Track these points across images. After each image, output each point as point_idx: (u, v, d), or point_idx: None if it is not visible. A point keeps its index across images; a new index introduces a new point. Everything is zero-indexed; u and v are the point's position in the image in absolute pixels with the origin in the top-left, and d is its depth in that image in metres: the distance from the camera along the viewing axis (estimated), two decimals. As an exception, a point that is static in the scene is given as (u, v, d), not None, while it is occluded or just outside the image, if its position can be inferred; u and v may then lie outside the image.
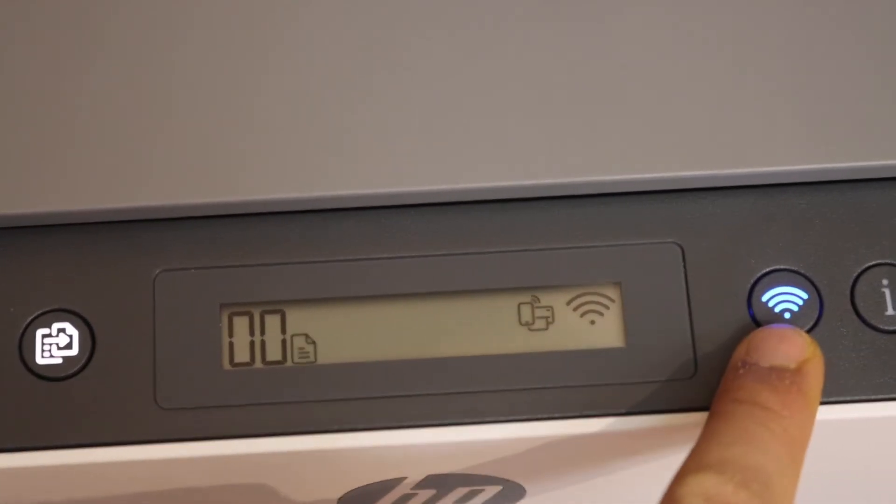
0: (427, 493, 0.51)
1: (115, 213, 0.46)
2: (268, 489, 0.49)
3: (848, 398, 0.45)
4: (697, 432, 0.44)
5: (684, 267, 0.46)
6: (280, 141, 0.46)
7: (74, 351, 0.45)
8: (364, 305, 0.46)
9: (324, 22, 0.47)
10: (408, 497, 0.51)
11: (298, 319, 0.46)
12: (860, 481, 0.53)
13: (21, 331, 0.45)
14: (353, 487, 0.49)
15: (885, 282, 0.46)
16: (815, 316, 0.46)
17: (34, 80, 0.47)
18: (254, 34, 0.47)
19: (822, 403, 0.45)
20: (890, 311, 0.46)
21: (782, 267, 0.46)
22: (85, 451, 0.44)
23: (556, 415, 0.45)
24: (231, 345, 0.45)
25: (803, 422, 0.43)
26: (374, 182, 0.46)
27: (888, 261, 0.46)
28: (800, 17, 0.47)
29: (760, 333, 0.45)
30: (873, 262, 0.46)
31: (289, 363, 0.45)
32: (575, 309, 0.46)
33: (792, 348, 0.44)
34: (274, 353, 0.45)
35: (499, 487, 0.50)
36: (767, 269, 0.46)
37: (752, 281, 0.46)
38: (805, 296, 0.46)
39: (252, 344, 0.45)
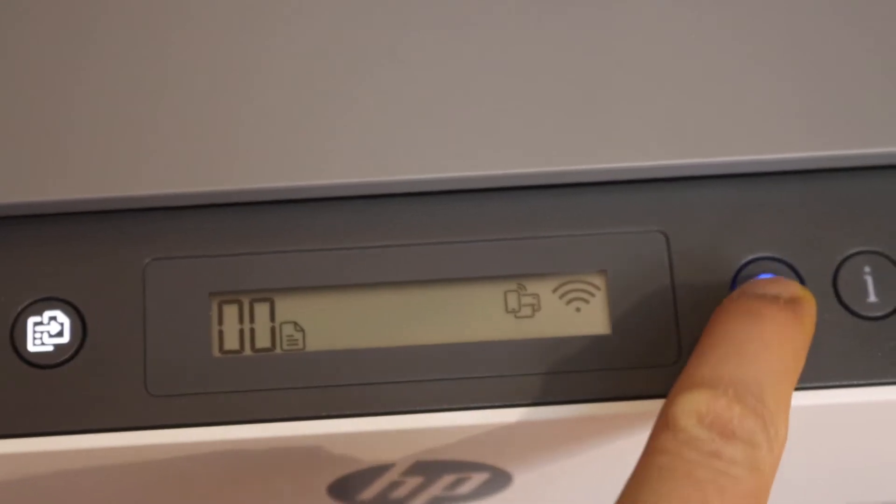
0: (415, 481, 0.51)
1: (106, 203, 0.46)
2: (257, 476, 0.49)
3: (830, 384, 0.45)
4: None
5: (669, 255, 0.47)
6: (269, 130, 0.46)
7: (66, 339, 0.46)
8: (352, 293, 0.46)
9: (310, 11, 0.48)
10: (396, 484, 0.51)
11: (287, 307, 0.46)
12: (843, 467, 0.53)
13: (12, 319, 0.46)
14: (342, 475, 0.50)
15: (867, 269, 0.46)
16: (798, 303, 0.46)
17: (24, 70, 0.47)
18: (244, 25, 0.48)
19: (805, 389, 0.45)
20: (872, 299, 0.46)
21: (766, 255, 0.47)
22: (76, 438, 0.45)
23: (543, 400, 0.45)
24: (221, 332, 0.46)
25: (798, 332, 0.43)
26: (362, 171, 0.46)
27: (870, 248, 0.47)
28: (785, 6, 0.48)
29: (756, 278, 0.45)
30: (856, 250, 0.47)
31: (278, 350, 0.46)
32: (561, 297, 0.46)
33: (785, 286, 0.44)
34: (263, 341, 0.46)
35: (486, 475, 0.51)
36: (751, 257, 0.47)
37: (735, 269, 0.46)
38: (788, 283, 0.46)
39: (241, 332, 0.46)
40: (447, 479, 0.51)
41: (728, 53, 0.47)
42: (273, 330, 0.46)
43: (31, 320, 0.46)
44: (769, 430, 0.41)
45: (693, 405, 0.41)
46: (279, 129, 0.46)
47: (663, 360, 0.46)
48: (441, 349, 0.46)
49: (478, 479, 0.51)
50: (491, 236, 0.47)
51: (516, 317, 0.46)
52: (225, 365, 0.45)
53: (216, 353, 0.46)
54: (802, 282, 0.46)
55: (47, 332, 0.46)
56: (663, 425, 0.41)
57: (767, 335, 0.42)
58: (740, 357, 0.42)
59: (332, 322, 0.46)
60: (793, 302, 0.43)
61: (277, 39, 0.47)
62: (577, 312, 0.46)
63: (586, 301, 0.46)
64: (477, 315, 0.46)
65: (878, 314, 0.46)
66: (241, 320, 0.46)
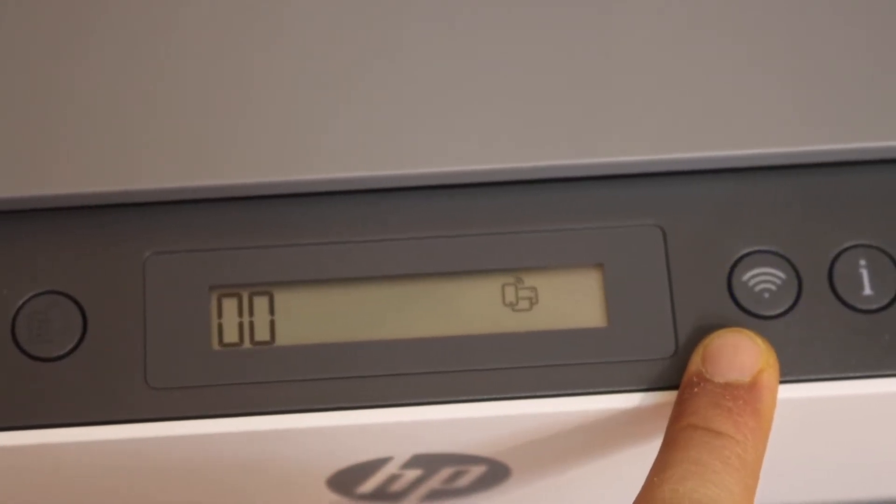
0: (413, 474, 0.51)
1: (106, 197, 0.46)
2: (257, 469, 0.49)
3: (825, 376, 0.46)
4: (678, 410, 0.45)
5: (665, 248, 0.47)
6: (268, 125, 0.46)
7: (66, 332, 0.46)
8: (350, 286, 0.46)
9: (308, 6, 0.48)
10: (395, 477, 0.51)
11: (286, 300, 0.46)
12: (838, 461, 0.53)
13: (14, 312, 0.46)
14: (341, 468, 0.50)
15: (862, 262, 0.47)
16: (794, 296, 0.46)
17: (24, 64, 0.47)
18: (243, 20, 0.48)
19: (801, 381, 0.46)
20: (867, 292, 0.46)
21: (762, 248, 0.47)
22: (77, 430, 0.45)
23: (540, 393, 0.46)
24: (220, 325, 0.46)
25: (757, 442, 0.43)
26: (360, 166, 0.46)
27: (866, 242, 0.47)
28: (780, 1, 0.48)
29: (716, 342, 0.45)
30: (851, 244, 0.47)
31: (277, 343, 0.46)
32: (558, 290, 0.47)
33: (747, 359, 0.44)
34: (262, 334, 0.46)
35: (484, 468, 0.51)
36: (747, 251, 0.47)
37: (732, 262, 0.47)
38: (784, 276, 0.47)
39: (241, 325, 0.46)
40: (446, 472, 0.51)
41: (724, 48, 0.47)
42: (272, 323, 0.46)
43: (33, 314, 0.46)
44: None
45: None
46: (278, 124, 0.46)
47: (660, 352, 0.46)
48: (440, 342, 0.46)
49: (476, 472, 0.51)
50: (489, 230, 0.47)
51: (514, 310, 0.46)
52: (224, 358, 0.46)
53: (216, 346, 0.46)
54: (798, 276, 0.47)
55: (48, 325, 0.46)
56: None
57: (728, 454, 0.42)
58: (701, 477, 0.41)
59: (330, 315, 0.46)
60: (755, 390, 0.43)
61: (276, 34, 0.48)
62: (575, 305, 0.46)
63: (583, 294, 0.46)
64: (475, 308, 0.46)
65: (874, 307, 0.46)
66: (240, 313, 0.46)
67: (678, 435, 0.43)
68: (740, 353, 0.44)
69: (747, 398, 0.43)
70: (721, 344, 0.45)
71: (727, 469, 0.42)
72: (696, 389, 0.44)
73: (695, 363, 0.45)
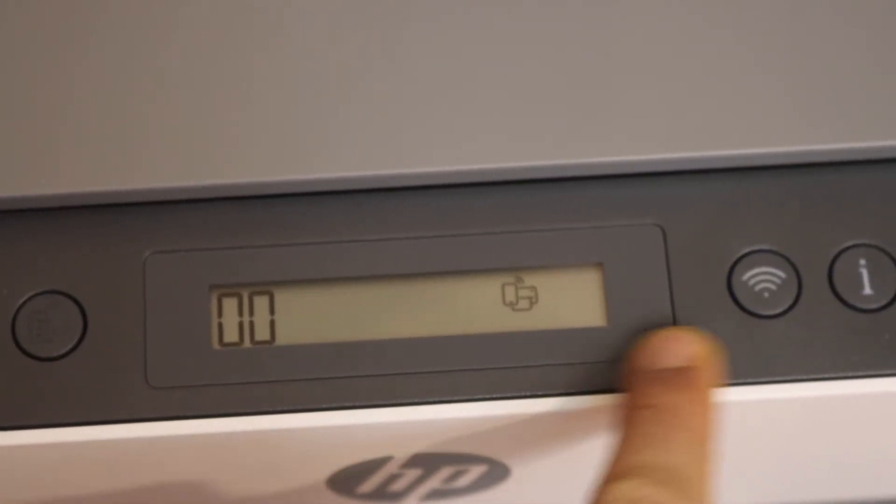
0: (414, 473, 0.51)
1: (107, 196, 0.46)
2: (257, 468, 0.49)
3: (825, 376, 0.46)
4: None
5: (665, 248, 0.47)
6: (268, 125, 0.46)
7: (66, 332, 0.46)
8: (350, 286, 0.46)
9: (308, 6, 0.48)
10: (395, 477, 0.51)
11: (286, 300, 0.46)
12: (838, 460, 0.53)
13: (14, 312, 0.46)
14: (342, 467, 0.50)
15: (862, 262, 0.47)
16: (794, 296, 0.46)
17: (24, 64, 0.47)
18: (243, 20, 0.48)
19: (801, 381, 0.46)
20: (867, 291, 0.46)
21: (762, 248, 0.47)
22: (77, 430, 0.45)
23: (540, 392, 0.46)
24: (220, 325, 0.46)
25: (703, 413, 0.44)
26: (361, 165, 0.46)
27: (866, 241, 0.47)
28: (777, 1, 0.48)
29: (650, 337, 0.45)
30: (851, 243, 0.47)
31: (277, 343, 0.46)
32: (558, 289, 0.47)
33: (681, 347, 0.45)
34: (262, 333, 0.46)
35: (484, 467, 0.51)
36: (747, 250, 0.47)
37: (732, 261, 0.47)
38: (784, 276, 0.47)
39: (241, 324, 0.46)
40: (446, 471, 0.51)
41: (724, 48, 0.48)
42: (272, 322, 0.46)
43: (33, 313, 0.46)
44: None
45: (620, 493, 0.41)
46: (278, 124, 0.46)
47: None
48: (440, 341, 0.46)
49: (476, 471, 0.51)
50: (489, 229, 0.47)
51: (514, 309, 0.46)
52: (225, 357, 0.46)
53: (216, 345, 0.46)
54: (798, 275, 0.47)
55: (48, 324, 0.46)
56: None
57: (677, 424, 0.43)
58: (655, 447, 0.43)
59: (331, 315, 0.46)
60: (693, 370, 0.44)
61: (275, 34, 0.48)
62: (575, 305, 0.46)
63: (583, 294, 0.47)
64: (475, 307, 0.46)
65: (874, 306, 0.46)
66: (240, 313, 0.46)
67: (629, 415, 0.44)
68: (673, 341, 0.45)
69: (688, 375, 0.44)
70: (654, 337, 0.45)
71: (678, 437, 0.43)
72: (633, 378, 0.45)
73: (634, 356, 0.45)
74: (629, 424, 0.44)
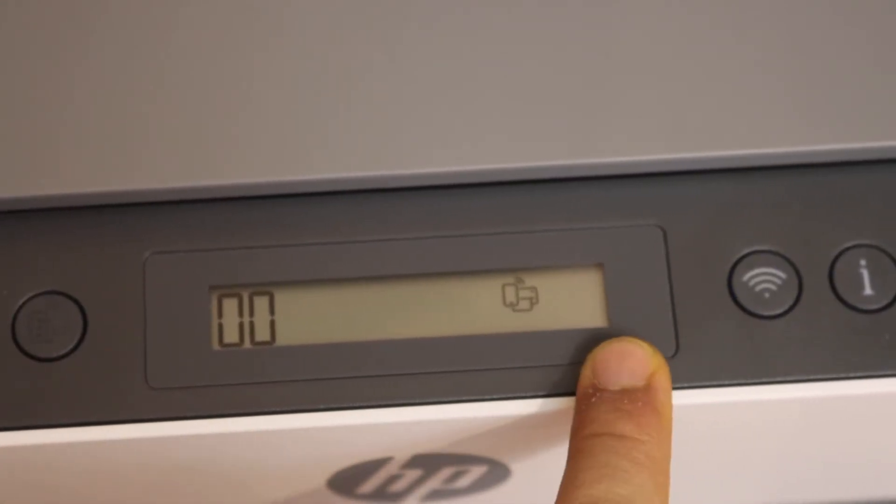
0: (414, 474, 0.51)
1: (107, 197, 0.46)
2: (257, 469, 0.49)
3: (826, 376, 0.46)
4: (678, 410, 0.45)
5: (666, 249, 0.47)
6: (268, 125, 0.46)
7: (66, 332, 0.46)
8: (351, 286, 0.46)
9: (307, 7, 0.48)
10: (395, 477, 0.51)
11: (286, 300, 0.46)
12: (839, 461, 0.53)
13: (14, 313, 0.46)
14: (341, 468, 0.50)
15: (862, 262, 0.47)
16: (795, 296, 0.46)
17: (24, 65, 0.47)
18: (242, 20, 0.48)
19: (802, 381, 0.46)
20: (868, 292, 0.46)
21: (762, 248, 0.47)
22: (77, 430, 0.45)
23: (540, 393, 0.46)
24: (220, 325, 0.46)
25: (661, 440, 0.43)
26: (361, 165, 0.46)
27: (866, 242, 0.47)
28: (781, 1, 0.48)
29: (602, 353, 0.45)
30: (851, 244, 0.47)
31: (277, 343, 0.46)
32: (558, 290, 0.47)
33: (637, 365, 0.44)
34: (262, 334, 0.46)
35: (484, 468, 0.51)
36: (748, 251, 0.47)
37: (732, 262, 0.47)
38: (784, 276, 0.47)
39: (241, 325, 0.46)
40: (446, 471, 0.51)
41: (724, 48, 0.48)
42: (272, 323, 0.46)
43: (33, 314, 0.46)
44: None
45: None
46: (278, 124, 0.46)
47: (661, 353, 0.46)
48: (440, 342, 0.46)
49: (476, 472, 0.51)
50: (489, 230, 0.47)
51: (514, 310, 0.46)
52: (225, 358, 0.46)
53: (216, 346, 0.46)
54: (799, 276, 0.47)
55: (48, 325, 0.46)
56: None
57: (635, 454, 0.42)
58: (612, 479, 0.42)
59: (331, 315, 0.46)
60: (650, 391, 0.44)
61: (275, 34, 0.48)
62: (575, 305, 0.46)
63: (584, 294, 0.47)
64: (475, 308, 0.46)
65: (874, 307, 0.46)
66: (240, 313, 0.46)
67: (583, 444, 0.43)
68: (628, 359, 0.44)
69: (645, 399, 0.44)
70: (608, 352, 0.45)
71: (637, 468, 0.42)
72: (593, 399, 0.44)
73: (586, 377, 0.45)
74: (582, 453, 0.43)
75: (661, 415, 0.44)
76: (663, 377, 0.44)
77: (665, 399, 0.44)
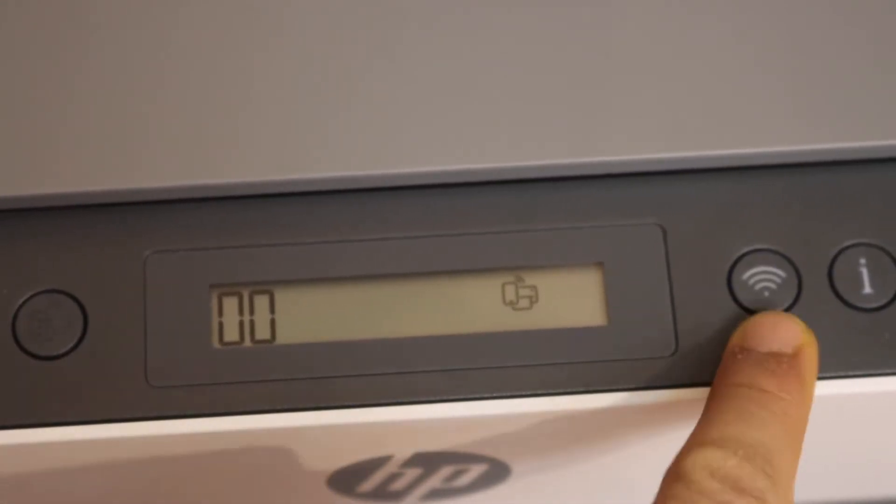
0: (414, 472, 0.51)
1: (107, 196, 0.46)
2: (257, 467, 0.49)
3: (825, 375, 0.46)
4: (678, 409, 0.45)
5: (665, 247, 0.47)
6: (268, 124, 0.46)
7: (67, 331, 0.46)
8: (351, 285, 0.46)
9: (307, 5, 0.48)
10: (395, 476, 0.51)
11: (287, 299, 0.46)
12: (840, 460, 0.53)
13: (14, 311, 0.46)
14: (341, 467, 0.50)
15: (862, 261, 0.47)
16: (794, 295, 0.47)
17: (24, 63, 0.47)
18: (242, 19, 0.48)
19: (801, 380, 0.46)
20: (867, 290, 0.47)
21: (762, 247, 0.47)
22: (78, 429, 0.45)
23: (540, 391, 0.46)
24: (221, 324, 0.46)
25: (801, 403, 0.44)
26: (361, 164, 0.46)
27: (866, 240, 0.47)
28: (778, 1, 0.48)
29: (757, 320, 0.45)
30: (851, 242, 0.47)
31: (277, 342, 0.46)
32: (558, 288, 0.47)
33: (788, 334, 0.45)
34: (263, 332, 0.46)
35: (485, 466, 0.51)
36: (747, 250, 0.47)
37: (732, 261, 0.47)
38: (784, 275, 0.47)
39: (241, 323, 0.46)
40: (446, 470, 0.51)
41: (724, 47, 0.48)
42: (273, 321, 0.46)
43: (33, 312, 0.46)
44: (778, 491, 0.41)
45: (705, 461, 0.41)
46: (278, 123, 0.46)
47: (660, 351, 0.46)
48: (440, 340, 0.46)
49: (476, 470, 0.51)
50: (489, 229, 0.47)
51: (514, 308, 0.46)
52: (225, 356, 0.46)
53: (216, 344, 0.46)
54: (798, 274, 0.47)
55: (49, 324, 0.46)
56: (674, 478, 0.41)
57: (773, 407, 0.43)
58: (748, 423, 0.42)
59: (331, 314, 0.46)
60: (796, 359, 0.44)
61: (275, 33, 0.48)
62: (575, 304, 0.46)
63: (583, 293, 0.47)
64: (475, 307, 0.46)
65: (874, 305, 0.46)
66: (241, 312, 0.46)
67: (724, 391, 0.44)
68: (781, 327, 0.45)
69: (791, 363, 0.44)
70: (763, 318, 0.45)
71: (773, 418, 0.43)
72: (739, 356, 0.44)
73: (736, 337, 0.45)
74: (722, 398, 0.43)
75: (803, 381, 0.44)
76: (811, 353, 0.45)
77: (810, 371, 0.44)
